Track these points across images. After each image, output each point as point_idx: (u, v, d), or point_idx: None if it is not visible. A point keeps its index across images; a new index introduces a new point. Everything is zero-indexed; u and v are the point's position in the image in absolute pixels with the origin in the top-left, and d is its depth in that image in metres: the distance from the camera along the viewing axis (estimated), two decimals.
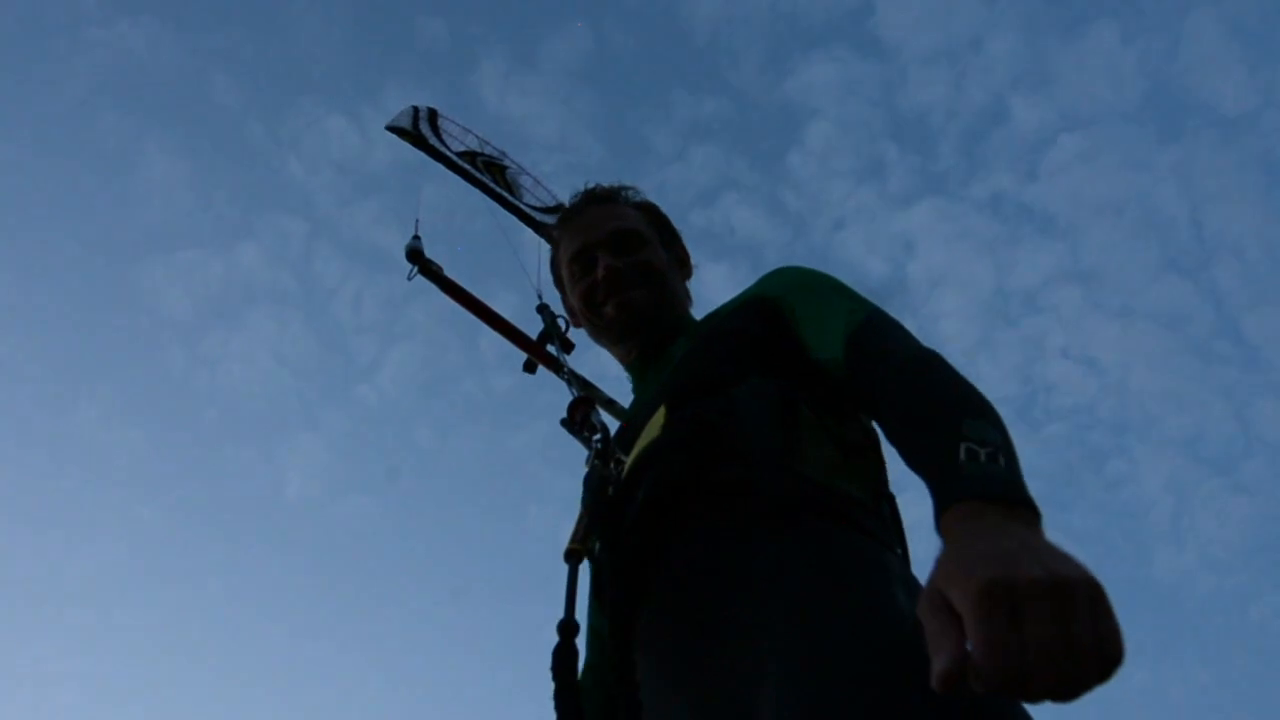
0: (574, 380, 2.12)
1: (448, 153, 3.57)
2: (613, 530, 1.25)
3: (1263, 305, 12.02)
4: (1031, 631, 0.69)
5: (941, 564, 0.78)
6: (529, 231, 3.64)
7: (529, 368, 2.96)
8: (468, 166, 3.58)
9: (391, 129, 3.52)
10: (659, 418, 1.34)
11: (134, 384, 12.59)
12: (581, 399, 1.63)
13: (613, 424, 1.63)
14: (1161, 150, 12.66)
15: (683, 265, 1.81)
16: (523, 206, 3.70)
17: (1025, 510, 0.87)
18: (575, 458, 1.62)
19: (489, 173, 3.64)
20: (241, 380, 12.37)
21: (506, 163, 3.69)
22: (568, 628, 1.10)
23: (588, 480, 1.42)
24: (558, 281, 1.86)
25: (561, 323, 2.41)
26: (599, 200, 1.78)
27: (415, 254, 3.57)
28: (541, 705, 1.19)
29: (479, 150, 3.65)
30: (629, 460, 1.35)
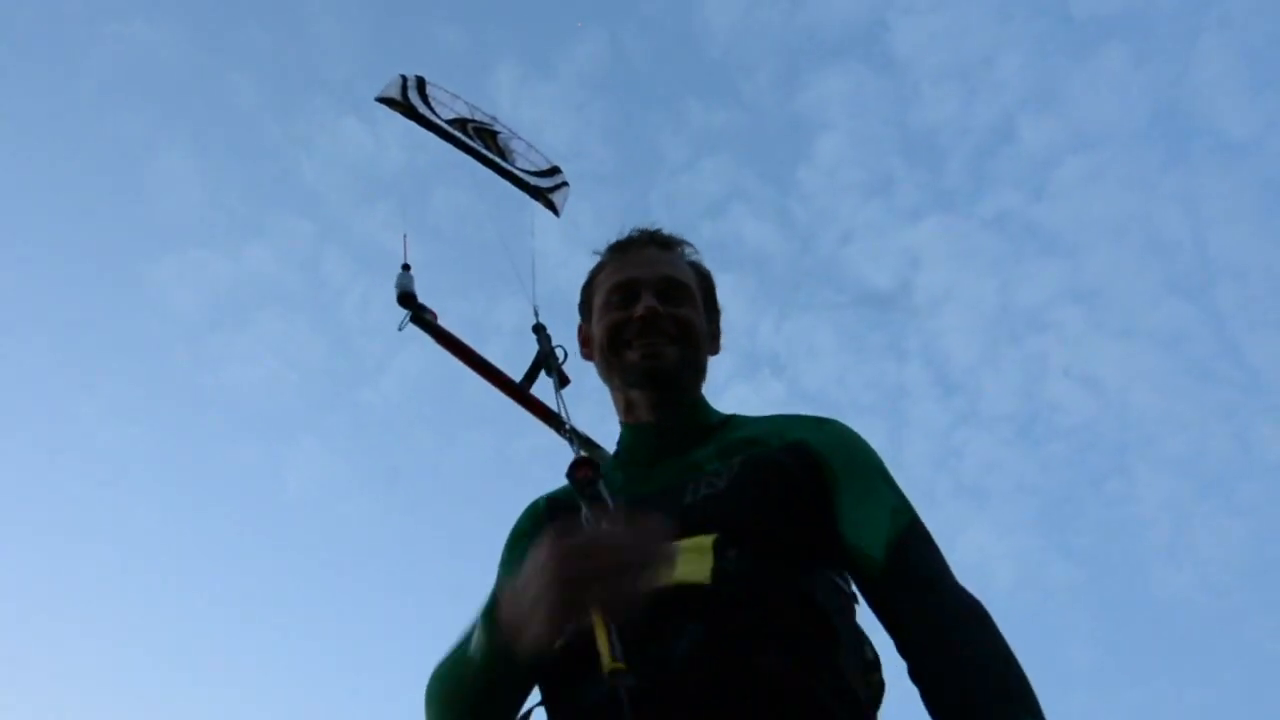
0: (575, 438, 1.95)
1: (438, 120, 3.56)
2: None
3: (1264, 328, 11.82)
4: None
5: None
6: (529, 243, 3.58)
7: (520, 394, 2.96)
8: (459, 134, 3.58)
9: (381, 100, 3.51)
10: (705, 546, 1.27)
11: (139, 382, 12.49)
12: (584, 460, 1.41)
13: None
14: (1167, 172, 12.27)
15: (714, 339, 1.75)
16: (515, 171, 3.72)
17: None
18: None
19: (480, 138, 3.64)
20: (246, 381, 12.39)
21: (498, 128, 3.68)
22: None
23: None
24: (585, 305, 1.77)
25: (560, 352, 2.38)
26: (658, 243, 1.72)
27: (407, 298, 3.50)
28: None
29: (469, 116, 3.64)
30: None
